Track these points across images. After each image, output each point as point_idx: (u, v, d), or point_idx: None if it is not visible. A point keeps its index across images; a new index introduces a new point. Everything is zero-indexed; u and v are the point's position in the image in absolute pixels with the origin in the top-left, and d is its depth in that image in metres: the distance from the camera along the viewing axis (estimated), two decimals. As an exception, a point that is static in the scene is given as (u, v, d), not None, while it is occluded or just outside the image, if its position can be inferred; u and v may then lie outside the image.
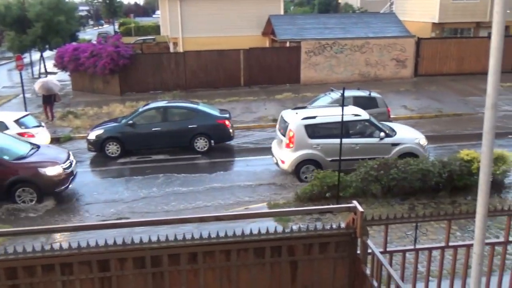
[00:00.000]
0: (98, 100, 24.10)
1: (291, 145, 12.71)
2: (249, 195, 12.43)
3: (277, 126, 14.04)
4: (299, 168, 12.92)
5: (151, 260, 3.76)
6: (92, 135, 15.79)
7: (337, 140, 11.28)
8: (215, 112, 16.64)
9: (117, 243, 3.74)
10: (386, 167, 11.51)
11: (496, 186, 11.56)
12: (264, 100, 22.85)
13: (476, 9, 29.82)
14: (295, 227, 3.93)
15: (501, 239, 4.56)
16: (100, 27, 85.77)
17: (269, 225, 9.42)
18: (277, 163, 13.52)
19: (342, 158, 11.43)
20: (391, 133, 13.33)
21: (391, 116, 17.17)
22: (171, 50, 31.58)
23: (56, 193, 12.31)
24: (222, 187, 13.07)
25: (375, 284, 3.55)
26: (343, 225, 3.90)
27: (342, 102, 10.94)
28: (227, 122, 16.14)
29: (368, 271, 3.69)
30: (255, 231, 3.81)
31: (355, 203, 3.89)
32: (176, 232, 3.82)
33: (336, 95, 15.98)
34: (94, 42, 29.43)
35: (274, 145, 14.00)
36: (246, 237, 3.79)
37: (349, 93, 15.72)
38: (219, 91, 25.13)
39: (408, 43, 26.74)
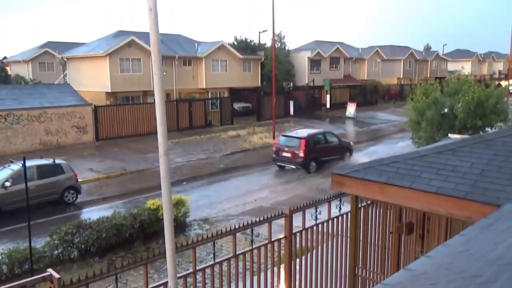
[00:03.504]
0: None
1: None
2: None
3: None
4: None
5: None
6: None
7: None
8: None
9: None
10: (80, 229, 10.90)
11: (180, 226, 12.47)
12: None
13: (141, 80, 32.45)
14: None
15: (190, 270, 4.86)
16: None
17: None
18: None
19: None
20: None
21: (79, 180, 16.54)
22: None
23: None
24: None
25: None
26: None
27: (24, 173, 9.92)
28: None
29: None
30: None
31: (50, 271, 3.47)
32: None
33: (17, 166, 14.54)
34: None
35: None
36: None
37: (32, 162, 14.80)
38: None
39: (86, 111, 26.62)
